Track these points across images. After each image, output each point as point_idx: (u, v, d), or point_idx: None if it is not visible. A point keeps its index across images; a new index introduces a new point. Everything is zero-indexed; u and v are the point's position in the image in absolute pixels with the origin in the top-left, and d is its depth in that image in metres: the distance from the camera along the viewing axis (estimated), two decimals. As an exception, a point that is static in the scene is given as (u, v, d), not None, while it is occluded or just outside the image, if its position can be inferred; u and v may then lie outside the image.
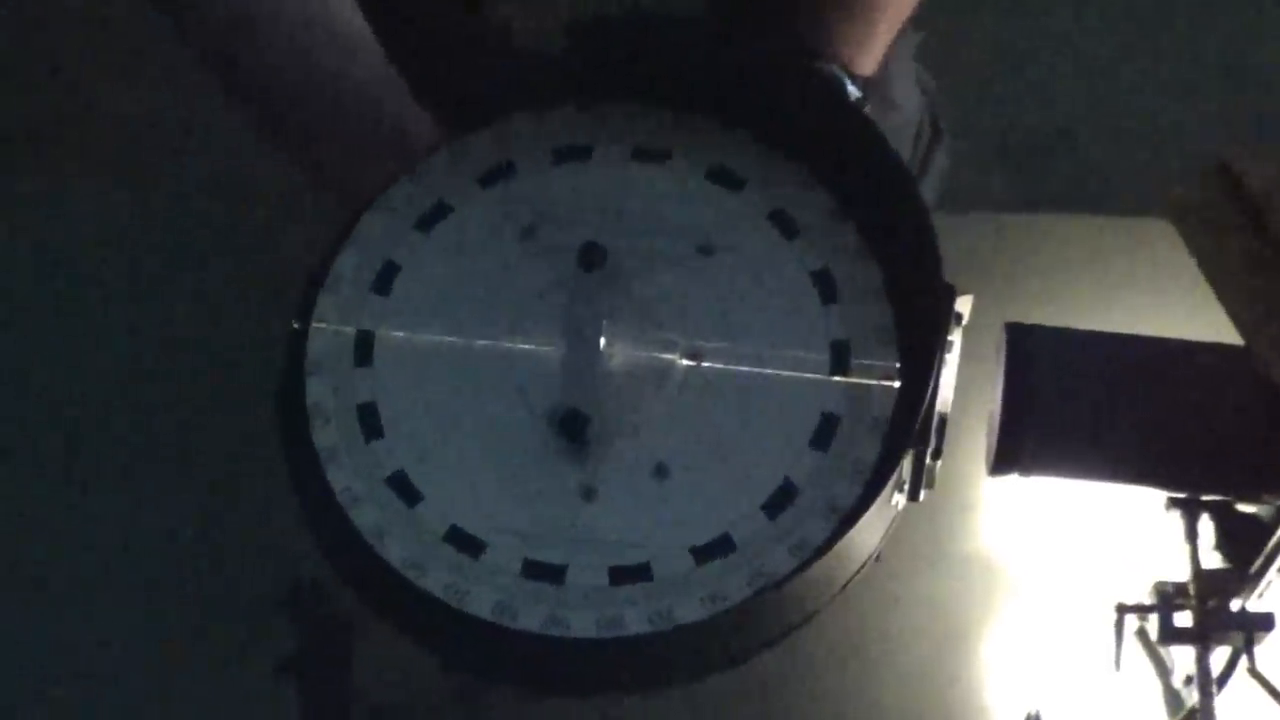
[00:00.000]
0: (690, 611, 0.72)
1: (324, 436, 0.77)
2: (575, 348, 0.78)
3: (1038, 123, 2.10)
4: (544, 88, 0.85)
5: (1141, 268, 1.05)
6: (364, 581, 0.77)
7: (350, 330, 0.80)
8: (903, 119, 1.16)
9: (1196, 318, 0.89)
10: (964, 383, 0.78)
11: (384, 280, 0.82)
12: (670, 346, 0.79)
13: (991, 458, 0.81)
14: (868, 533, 0.75)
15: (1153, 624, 0.82)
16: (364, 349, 0.80)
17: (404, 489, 0.76)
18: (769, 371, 0.78)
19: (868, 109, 0.83)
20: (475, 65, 0.93)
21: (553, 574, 0.72)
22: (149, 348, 1.04)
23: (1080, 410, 0.80)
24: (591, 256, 0.80)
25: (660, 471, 0.75)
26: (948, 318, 0.74)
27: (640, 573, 0.73)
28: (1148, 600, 0.83)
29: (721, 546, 0.74)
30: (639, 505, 0.75)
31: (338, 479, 0.76)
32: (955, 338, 0.76)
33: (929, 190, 1.20)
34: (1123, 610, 0.84)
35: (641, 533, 0.74)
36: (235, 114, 0.96)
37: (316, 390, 0.78)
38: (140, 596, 0.94)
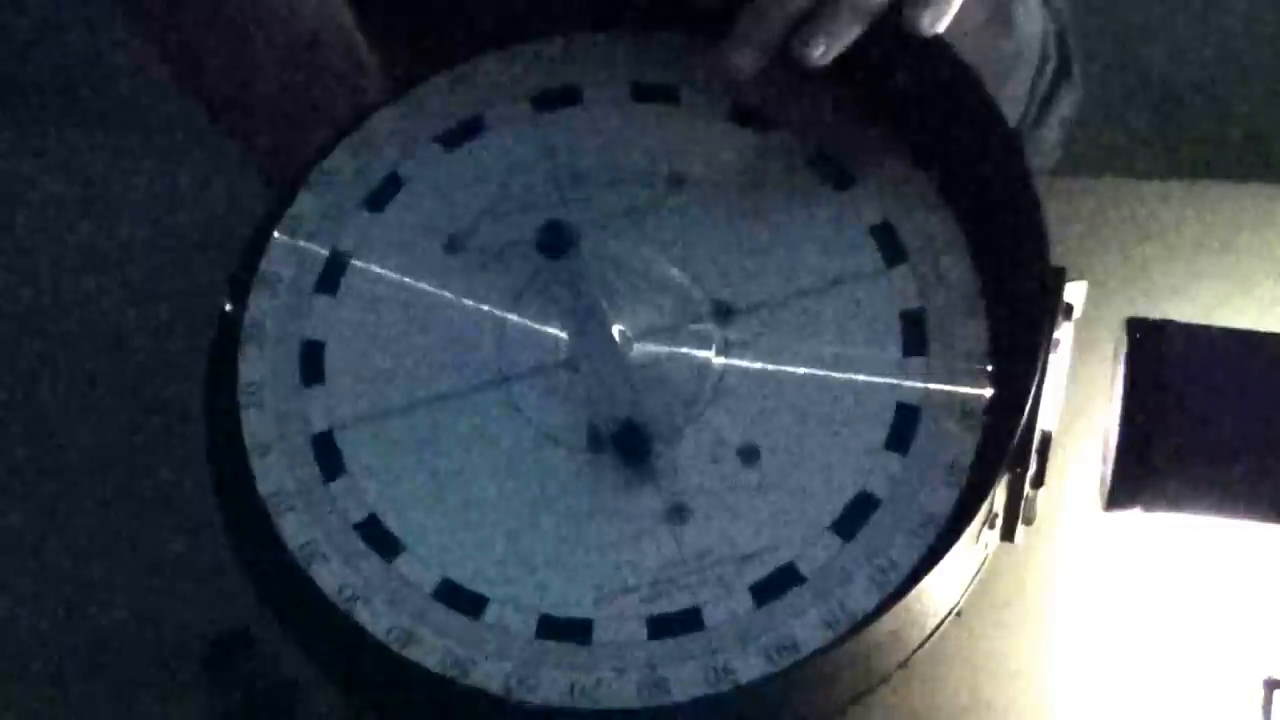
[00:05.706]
0: (866, 599, 0.63)
1: (327, 578, 0.65)
2: (590, 350, 0.70)
3: (1178, 72, 1.97)
4: (528, 18, 0.77)
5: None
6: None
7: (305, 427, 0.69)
8: (1019, 47, 1.06)
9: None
10: (1073, 392, 0.72)
11: (329, 279, 0.72)
12: (701, 318, 0.71)
13: (1107, 489, 0.73)
14: (946, 578, 0.65)
15: (1308, 703, 0.78)
16: (325, 448, 0.68)
17: (457, 598, 0.65)
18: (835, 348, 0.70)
19: (968, 37, 0.73)
20: None
21: (686, 622, 0.64)
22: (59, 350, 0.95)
23: (1221, 429, 0.72)
24: (557, 240, 0.71)
25: (748, 455, 0.67)
26: (1055, 310, 0.67)
27: (787, 577, 0.65)
28: (1303, 675, 0.78)
29: (862, 508, 0.66)
30: (744, 502, 0.66)
31: (372, 622, 0.64)
32: (1064, 334, 0.69)
33: (1045, 143, 1.12)
34: (1271, 686, 0.77)
35: (765, 531, 0.65)
36: (165, 68, 0.88)
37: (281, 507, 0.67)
38: (50, 650, 0.84)
